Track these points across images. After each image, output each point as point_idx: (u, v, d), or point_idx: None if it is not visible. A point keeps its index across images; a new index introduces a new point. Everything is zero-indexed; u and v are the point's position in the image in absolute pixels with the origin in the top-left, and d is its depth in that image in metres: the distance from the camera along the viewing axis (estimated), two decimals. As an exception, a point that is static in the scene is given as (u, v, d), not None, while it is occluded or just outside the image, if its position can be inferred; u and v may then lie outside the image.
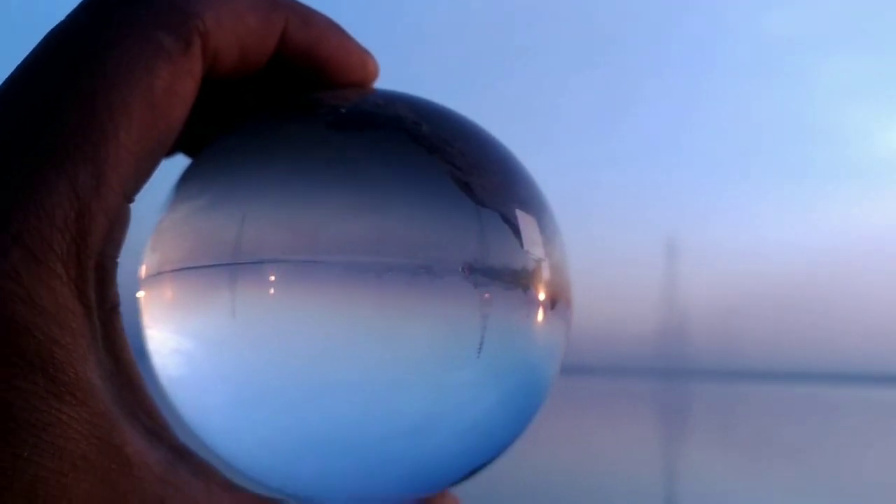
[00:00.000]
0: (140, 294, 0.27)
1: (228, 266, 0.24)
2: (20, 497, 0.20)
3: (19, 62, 0.24)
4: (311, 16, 0.27)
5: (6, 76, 0.23)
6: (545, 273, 0.26)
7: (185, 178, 0.27)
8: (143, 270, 0.27)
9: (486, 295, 0.25)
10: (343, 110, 0.26)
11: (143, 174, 0.24)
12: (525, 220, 0.26)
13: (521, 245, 0.26)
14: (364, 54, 0.28)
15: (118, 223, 0.24)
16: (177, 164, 0.28)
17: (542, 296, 0.26)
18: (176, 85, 0.24)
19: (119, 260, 0.24)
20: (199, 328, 0.25)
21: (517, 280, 0.25)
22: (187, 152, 0.29)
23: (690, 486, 6.82)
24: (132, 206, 0.24)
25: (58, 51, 0.23)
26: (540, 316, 0.26)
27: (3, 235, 0.21)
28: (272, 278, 0.24)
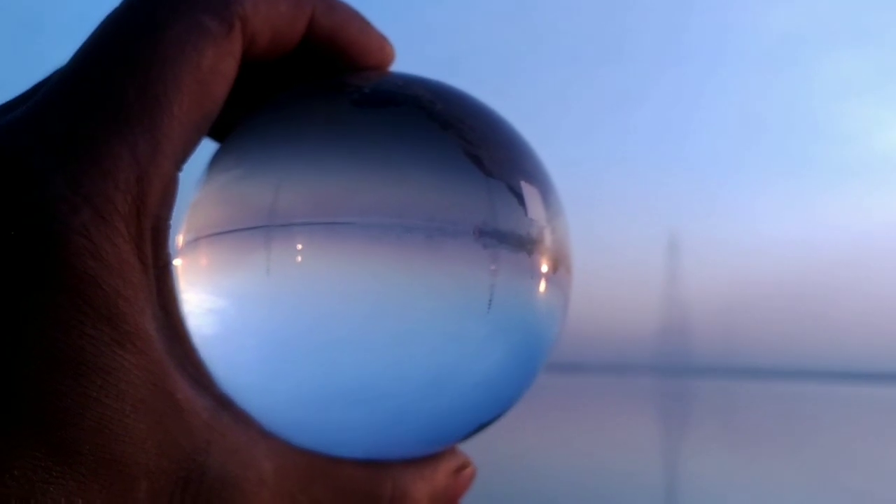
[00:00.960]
0: (177, 262, 0.29)
1: (264, 228, 0.26)
2: (88, 433, 0.23)
3: (82, 43, 0.26)
4: (335, 4, 0.29)
5: (71, 55, 0.26)
6: (547, 241, 0.29)
7: (220, 155, 0.29)
8: (179, 240, 0.29)
9: (495, 255, 0.27)
10: (366, 90, 0.29)
11: (191, 145, 0.26)
12: (530, 192, 0.28)
13: (526, 213, 0.28)
14: (382, 39, 0.31)
15: (170, 189, 0.26)
16: (206, 148, 0.31)
17: (544, 261, 0.28)
18: (220, 64, 0.26)
19: (170, 223, 0.27)
20: (234, 287, 0.27)
21: (522, 244, 0.28)
22: (215, 137, 0.31)
23: (691, 482, 6.83)
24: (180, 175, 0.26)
25: (115, 32, 0.25)
26: (542, 279, 0.29)
27: (74, 196, 0.23)
28: (305, 238, 0.26)
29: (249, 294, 0.27)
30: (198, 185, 0.29)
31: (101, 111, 0.24)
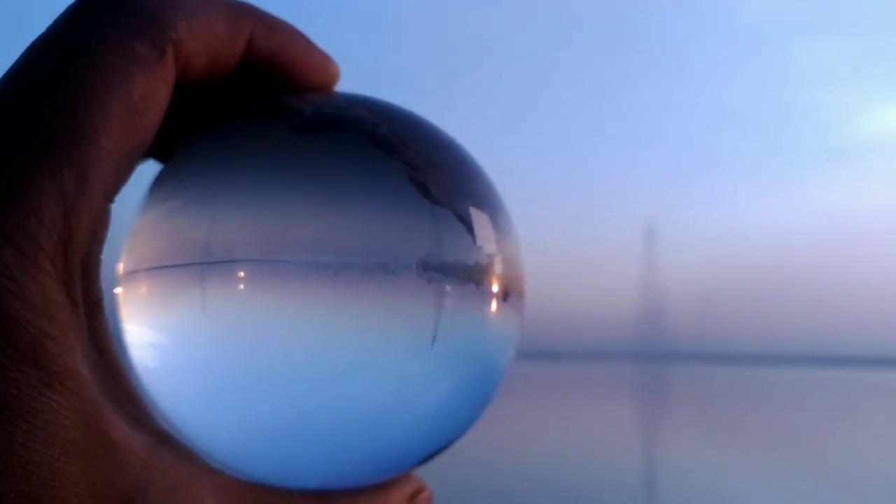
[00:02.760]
0: (118, 290, 0.28)
1: (199, 265, 0.26)
2: (15, 481, 0.22)
3: (4, 71, 0.25)
4: (275, 23, 0.29)
5: None
6: (498, 267, 0.28)
7: (158, 182, 0.29)
8: (120, 268, 0.28)
9: (439, 289, 0.26)
10: (307, 113, 0.28)
11: (122, 176, 0.25)
12: (478, 218, 0.28)
13: (475, 241, 0.27)
14: (326, 59, 0.30)
15: (100, 223, 0.25)
16: (149, 169, 0.30)
17: (494, 289, 0.28)
18: (151, 91, 0.25)
19: (101, 258, 0.26)
20: (171, 323, 0.27)
21: (470, 275, 0.27)
22: (158, 158, 0.30)
23: (669, 467, 6.89)
24: (112, 207, 0.25)
25: (42, 60, 0.24)
26: (493, 308, 0.28)
27: None
28: (239, 276, 0.25)
29: (187, 331, 0.26)
30: (138, 210, 0.29)
31: (24, 144, 0.23)
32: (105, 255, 0.27)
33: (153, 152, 0.30)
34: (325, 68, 0.30)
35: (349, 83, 0.31)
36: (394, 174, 0.27)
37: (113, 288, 0.28)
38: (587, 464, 6.75)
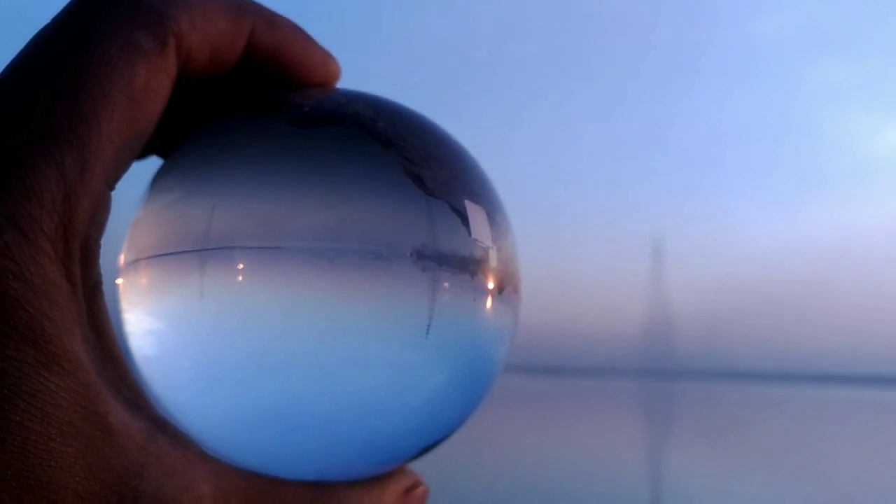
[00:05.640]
0: (119, 281, 0.29)
1: (198, 252, 0.26)
2: (12, 459, 0.22)
3: (11, 59, 0.25)
4: (276, 20, 0.29)
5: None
6: (493, 261, 0.28)
7: (161, 174, 0.29)
8: (121, 259, 0.29)
9: (434, 278, 0.26)
10: (306, 108, 0.28)
11: (123, 163, 0.26)
12: (474, 211, 0.28)
13: (469, 234, 0.28)
14: (326, 56, 0.30)
15: (100, 207, 0.25)
16: (152, 164, 0.30)
17: (489, 282, 0.28)
18: (153, 81, 0.26)
19: (101, 242, 0.26)
20: (171, 309, 0.27)
21: (465, 266, 0.27)
22: (161, 154, 0.31)
23: (674, 482, 6.84)
24: (113, 196, 0.26)
25: (46, 48, 0.25)
26: (487, 301, 0.28)
27: None
28: (237, 264, 0.26)
29: (185, 317, 0.27)
30: (140, 202, 0.29)
31: (26, 128, 0.24)
32: (109, 248, 0.27)
33: (156, 148, 0.31)
34: (326, 65, 0.30)
35: (355, 83, 0.31)
36: (390, 166, 0.27)
37: (115, 279, 0.29)
38: (593, 480, 6.71)
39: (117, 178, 0.26)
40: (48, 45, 0.25)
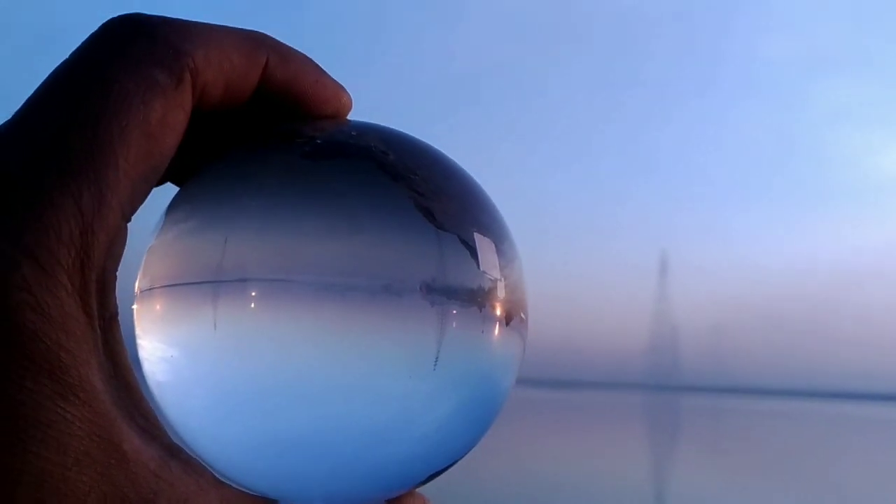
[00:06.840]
0: (134, 307, 0.29)
1: (211, 283, 0.27)
2: (29, 489, 0.23)
3: (30, 94, 0.26)
4: (290, 53, 0.30)
5: (19, 106, 0.26)
6: (501, 292, 0.29)
7: (175, 204, 0.30)
8: (137, 286, 0.29)
9: (443, 312, 0.27)
10: (318, 140, 0.29)
11: (139, 196, 0.27)
12: (482, 243, 0.28)
13: (478, 266, 0.28)
14: (338, 89, 0.31)
15: (117, 240, 0.26)
16: (167, 191, 0.31)
17: (497, 313, 0.28)
18: (168, 117, 0.26)
19: (117, 274, 0.27)
20: (184, 338, 0.28)
21: (473, 298, 0.28)
22: (175, 181, 0.31)
23: (680, 497, 6.81)
24: (129, 226, 0.27)
25: (64, 84, 0.26)
26: (495, 332, 0.29)
27: (14, 250, 0.23)
28: (250, 295, 0.26)
29: (198, 346, 0.27)
30: (155, 230, 0.30)
31: (45, 163, 0.24)
32: (124, 273, 0.28)
33: (171, 176, 0.31)
34: (338, 98, 0.31)
35: (365, 113, 0.32)
36: (400, 200, 0.27)
37: (131, 305, 0.29)
38: (599, 492, 6.68)
39: (133, 210, 0.27)
40: (66, 80, 0.26)
